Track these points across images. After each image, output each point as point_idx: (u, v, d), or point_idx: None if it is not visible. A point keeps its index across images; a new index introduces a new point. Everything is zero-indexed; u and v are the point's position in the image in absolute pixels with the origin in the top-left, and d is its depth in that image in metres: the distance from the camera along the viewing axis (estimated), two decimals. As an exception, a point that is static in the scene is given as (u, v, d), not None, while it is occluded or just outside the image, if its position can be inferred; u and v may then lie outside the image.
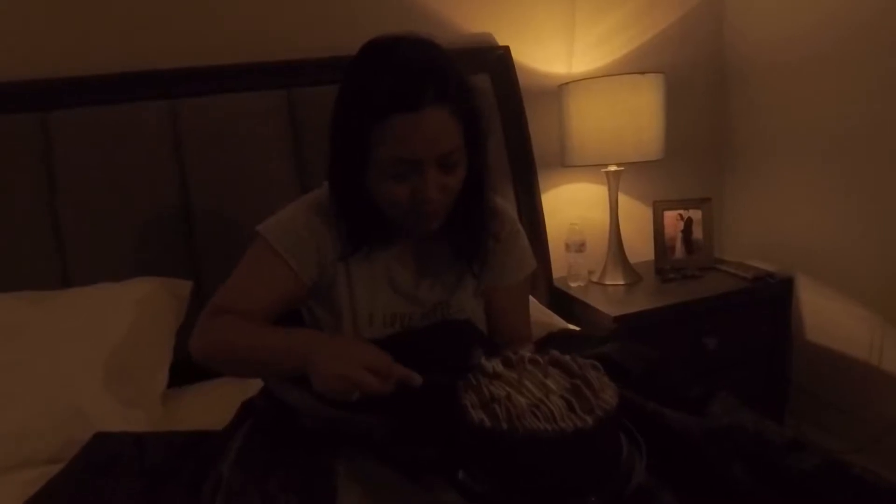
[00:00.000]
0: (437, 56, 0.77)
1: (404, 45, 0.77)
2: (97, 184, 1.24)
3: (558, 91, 1.57)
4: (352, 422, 0.73)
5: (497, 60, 1.55)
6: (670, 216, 1.70)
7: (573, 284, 1.61)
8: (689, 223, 1.69)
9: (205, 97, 1.32)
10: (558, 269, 1.65)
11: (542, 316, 1.31)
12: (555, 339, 1.00)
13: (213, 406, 1.00)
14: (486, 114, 0.83)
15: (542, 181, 1.64)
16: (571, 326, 1.23)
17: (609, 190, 1.60)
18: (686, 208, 1.69)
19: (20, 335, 1.04)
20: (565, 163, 1.59)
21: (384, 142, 0.74)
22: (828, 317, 1.65)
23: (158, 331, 1.14)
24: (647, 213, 1.76)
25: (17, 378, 0.98)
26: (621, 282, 1.60)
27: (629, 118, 1.45)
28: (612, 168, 1.56)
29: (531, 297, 1.46)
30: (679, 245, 1.70)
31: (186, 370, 1.17)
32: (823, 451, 0.63)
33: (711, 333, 1.49)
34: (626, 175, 1.64)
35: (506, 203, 0.99)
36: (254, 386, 0.92)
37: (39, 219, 1.21)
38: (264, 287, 0.85)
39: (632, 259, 1.67)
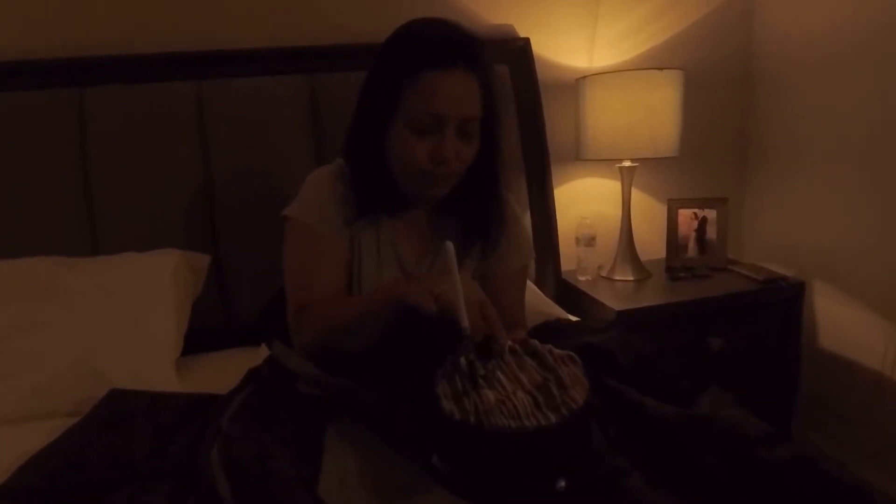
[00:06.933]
0: (475, 36, 0.84)
1: (447, 21, 0.85)
2: (126, 158, 1.30)
3: (576, 84, 1.57)
4: (352, 391, 0.77)
5: (517, 52, 1.56)
6: (684, 215, 1.69)
7: (581, 278, 1.62)
8: (703, 222, 1.68)
9: (231, 79, 1.37)
10: (568, 262, 1.66)
11: (545, 307, 1.33)
12: (550, 328, 1.02)
13: (223, 373, 1.04)
14: (501, 101, 0.89)
15: (556, 174, 1.64)
16: (572, 317, 1.25)
17: (622, 185, 1.60)
18: (701, 207, 1.68)
19: (51, 296, 1.11)
20: (580, 156, 1.60)
21: (414, 94, 0.80)
22: (842, 324, 1.62)
23: (177, 300, 1.19)
24: (661, 211, 1.75)
25: (46, 336, 1.06)
26: (630, 278, 1.61)
27: (644, 114, 1.44)
28: (627, 164, 1.56)
29: (536, 288, 1.49)
30: (692, 244, 1.69)
31: (201, 339, 1.25)
32: (795, 447, 0.64)
33: (717, 333, 1.48)
34: (641, 172, 1.64)
35: (508, 193, 1.01)
36: (261, 356, 0.97)
37: (72, 189, 1.28)
38: (319, 268, 0.88)
39: (643, 256, 1.67)
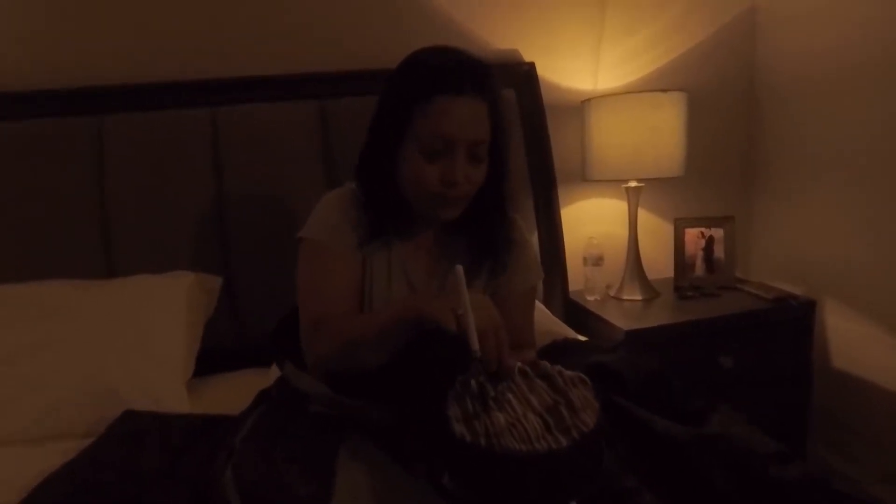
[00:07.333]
0: (483, 62, 0.87)
1: (455, 48, 0.88)
2: (142, 183, 1.33)
3: (581, 107, 1.60)
4: (362, 410, 0.78)
5: (523, 76, 1.59)
6: (692, 234, 1.69)
7: (589, 298, 1.63)
8: (710, 241, 1.68)
9: (243, 106, 1.40)
10: (576, 282, 1.67)
11: (553, 326, 1.33)
12: (558, 348, 1.03)
13: (234, 394, 1.05)
14: (509, 124, 0.91)
15: (563, 195, 1.66)
16: (580, 337, 1.25)
17: (629, 205, 1.61)
18: (708, 226, 1.68)
19: (65, 318, 1.13)
20: (586, 177, 1.62)
21: (424, 118, 0.82)
22: (854, 342, 1.60)
23: (189, 322, 1.21)
24: (668, 230, 1.76)
25: (61, 357, 1.07)
26: (638, 297, 1.61)
27: (649, 135, 1.46)
28: (633, 184, 1.57)
29: (544, 308, 1.50)
30: (700, 263, 1.69)
31: (212, 360, 1.26)
32: (807, 465, 0.64)
33: (727, 353, 1.47)
34: (648, 192, 1.65)
35: (515, 214, 1.02)
36: (271, 376, 0.98)
37: (89, 214, 1.31)
38: (333, 283, 0.88)
39: (651, 276, 1.67)
